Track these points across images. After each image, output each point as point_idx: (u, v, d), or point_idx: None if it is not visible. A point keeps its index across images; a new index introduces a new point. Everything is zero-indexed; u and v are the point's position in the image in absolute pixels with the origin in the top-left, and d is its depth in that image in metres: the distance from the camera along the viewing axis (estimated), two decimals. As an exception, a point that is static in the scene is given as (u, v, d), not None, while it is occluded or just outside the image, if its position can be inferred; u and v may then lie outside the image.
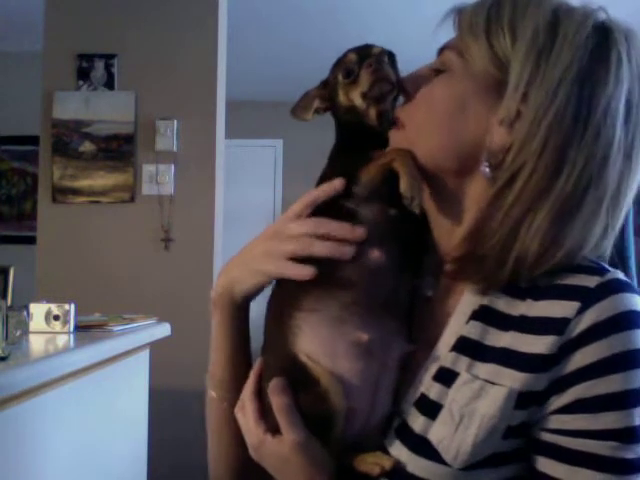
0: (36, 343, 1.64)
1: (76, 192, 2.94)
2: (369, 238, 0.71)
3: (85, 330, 1.82)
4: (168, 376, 2.56)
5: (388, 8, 3.74)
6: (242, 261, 0.79)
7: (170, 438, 2.66)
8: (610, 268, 0.69)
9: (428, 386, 0.71)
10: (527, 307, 0.69)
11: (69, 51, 2.97)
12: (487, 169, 0.71)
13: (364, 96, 0.76)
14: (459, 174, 0.74)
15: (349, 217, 0.72)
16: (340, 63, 0.78)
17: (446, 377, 0.70)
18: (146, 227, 2.93)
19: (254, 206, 5.75)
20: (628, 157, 0.69)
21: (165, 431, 2.57)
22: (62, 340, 1.69)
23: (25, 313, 1.61)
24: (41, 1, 3.00)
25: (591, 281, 0.67)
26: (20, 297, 2.73)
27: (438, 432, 0.68)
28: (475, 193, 0.74)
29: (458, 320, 0.73)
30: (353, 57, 0.77)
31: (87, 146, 2.94)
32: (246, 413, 0.74)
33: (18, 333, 1.51)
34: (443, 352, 0.72)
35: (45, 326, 1.74)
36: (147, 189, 2.94)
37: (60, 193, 2.94)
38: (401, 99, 0.79)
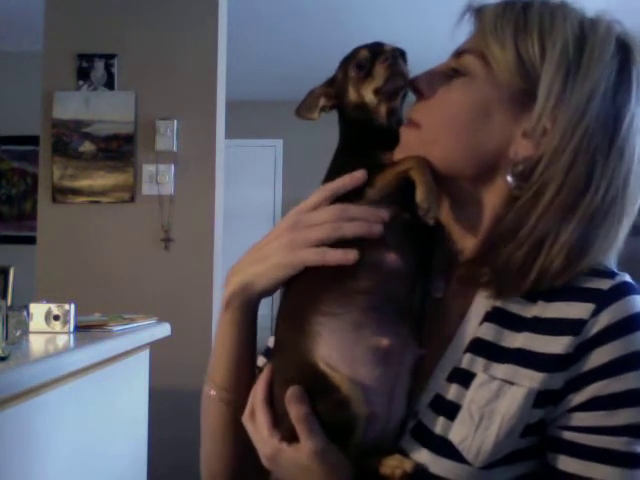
0: (36, 343, 1.64)
1: (76, 192, 2.94)
2: (385, 242, 0.71)
3: (85, 330, 1.82)
4: (168, 376, 2.56)
5: (388, 8, 3.74)
6: (258, 258, 0.76)
7: (170, 438, 2.66)
8: (617, 271, 0.72)
9: (443, 387, 0.72)
10: (540, 309, 0.71)
11: (69, 51, 2.97)
12: (511, 179, 0.72)
13: (377, 92, 0.76)
14: (475, 181, 0.75)
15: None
16: (351, 59, 0.78)
17: (462, 378, 0.71)
18: (146, 227, 2.93)
19: (254, 206, 5.76)
20: None
21: (165, 431, 2.57)
22: (62, 340, 1.69)
23: (25, 313, 1.61)
24: (41, 1, 3.00)
25: (604, 284, 0.69)
26: (20, 297, 2.73)
27: (459, 432, 0.69)
28: (492, 201, 0.75)
29: (471, 322, 0.74)
30: (365, 53, 0.77)
31: (87, 146, 2.94)
32: (258, 422, 0.72)
33: (18, 333, 1.51)
34: (457, 353, 0.73)
35: (45, 326, 1.74)
36: (147, 189, 2.94)
37: (60, 193, 2.94)
38: (410, 98, 0.79)
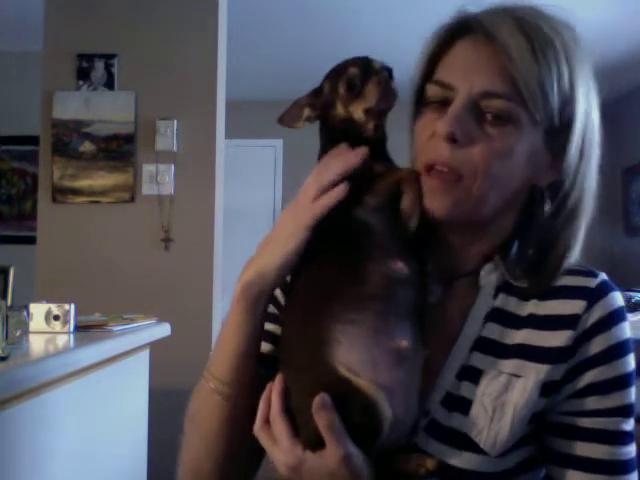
0: (36, 343, 1.63)
1: (76, 192, 2.94)
2: (391, 251, 0.73)
3: (85, 330, 1.82)
4: (168, 376, 2.56)
5: (389, 7, 3.74)
6: (267, 244, 0.77)
7: (170, 438, 2.64)
8: (595, 269, 0.80)
9: (453, 385, 0.77)
10: (534, 307, 0.79)
11: (69, 51, 2.97)
12: (549, 205, 0.80)
13: (367, 111, 0.76)
14: (498, 210, 0.78)
15: (362, 227, 0.74)
16: (340, 75, 0.77)
17: (471, 375, 0.77)
18: (146, 227, 2.92)
19: (254, 206, 5.75)
20: None
21: (165, 431, 2.56)
22: (62, 340, 1.69)
23: (25, 313, 1.61)
24: (41, 1, 3.00)
25: (590, 282, 0.78)
26: (20, 297, 2.72)
27: (474, 425, 0.75)
28: (508, 220, 0.81)
29: (474, 322, 0.79)
30: (355, 71, 0.76)
31: (87, 146, 2.94)
32: (277, 432, 0.71)
33: (18, 333, 1.51)
34: (463, 352, 0.78)
35: (45, 326, 1.74)
36: (147, 189, 2.94)
37: (60, 193, 2.94)
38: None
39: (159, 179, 2.93)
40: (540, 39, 0.72)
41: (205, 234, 2.94)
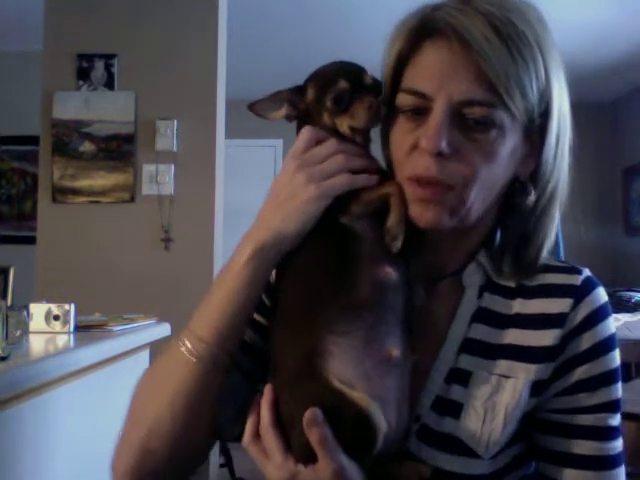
0: (36, 343, 1.63)
1: (76, 192, 2.94)
2: (381, 257, 0.72)
3: (85, 330, 1.82)
4: (168, 376, 2.55)
5: (392, 5, 3.73)
6: (280, 203, 0.74)
7: (170, 438, 2.65)
8: (577, 266, 0.81)
9: (443, 388, 0.76)
10: (520, 306, 0.78)
11: (69, 51, 2.97)
12: (534, 195, 0.78)
13: (353, 128, 0.75)
14: (486, 210, 0.78)
15: (348, 233, 0.73)
16: (328, 86, 0.75)
17: (460, 377, 0.76)
18: (146, 227, 2.93)
19: (254, 206, 5.70)
20: None
21: (165, 431, 2.56)
22: (62, 340, 1.69)
23: (25, 313, 1.61)
24: (41, 1, 3.00)
25: (574, 280, 0.78)
26: (20, 297, 2.72)
27: (466, 429, 0.74)
28: (489, 218, 0.80)
29: (460, 324, 0.78)
30: (345, 85, 0.74)
31: (87, 146, 2.94)
32: (268, 447, 0.69)
33: (18, 333, 1.51)
34: (450, 355, 0.77)
35: (45, 326, 1.74)
36: (147, 189, 2.94)
37: (60, 193, 2.94)
38: None
39: (159, 179, 2.93)
40: (513, 36, 0.70)
41: (205, 234, 2.94)
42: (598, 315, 0.77)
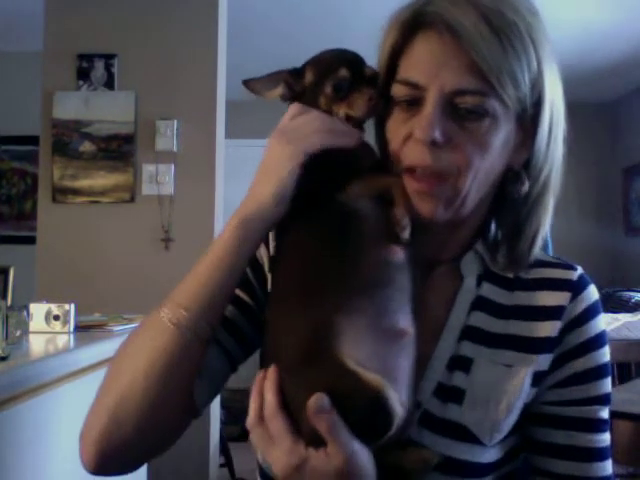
0: (36, 343, 1.64)
1: (76, 192, 2.94)
2: (388, 237, 0.72)
3: (85, 330, 1.82)
4: (168, 376, 2.56)
5: (391, 4, 3.73)
6: (264, 172, 0.75)
7: (170, 438, 2.65)
8: (571, 262, 0.83)
9: (444, 375, 0.77)
10: (519, 298, 0.81)
11: (69, 51, 2.97)
12: (527, 185, 0.78)
13: (350, 117, 0.75)
14: (481, 199, 0.78)
15: (351, 213, 0.73)
16: (329, 72, 0.76)
17: (462, 364, 0.77)
18: (146, 227, 2.92)
19: (254, 206, 5.74)
20: None
21: (165, 431, 2.57)
22: (62, 340, 1.69)
23: (25, 313, 1.61)
24: (41, 1, 3.00)
25: (571, 275, 0.81)
26: (20, 297, 2.72)
27: (470, 416, 0.75)
28: (483, 207, 0.80)
29: (459, 311, 0.80)
30: (346, 74, 0.75)
31: (87, 146, 2.94)
32: (276, 431, 0.66)
33: (18, 333, 1.51)
34: (451, 342, 0.78)
35: (45, 326, 1.74)
36: (147, 189, 2.94)
37: (60, 193, 2.94)
38: None
39: (159, 179, 2.93)
40: (504, 26, 0.71)
41: (205, 234, 2.93)
42: (592, 311, 0.80)
